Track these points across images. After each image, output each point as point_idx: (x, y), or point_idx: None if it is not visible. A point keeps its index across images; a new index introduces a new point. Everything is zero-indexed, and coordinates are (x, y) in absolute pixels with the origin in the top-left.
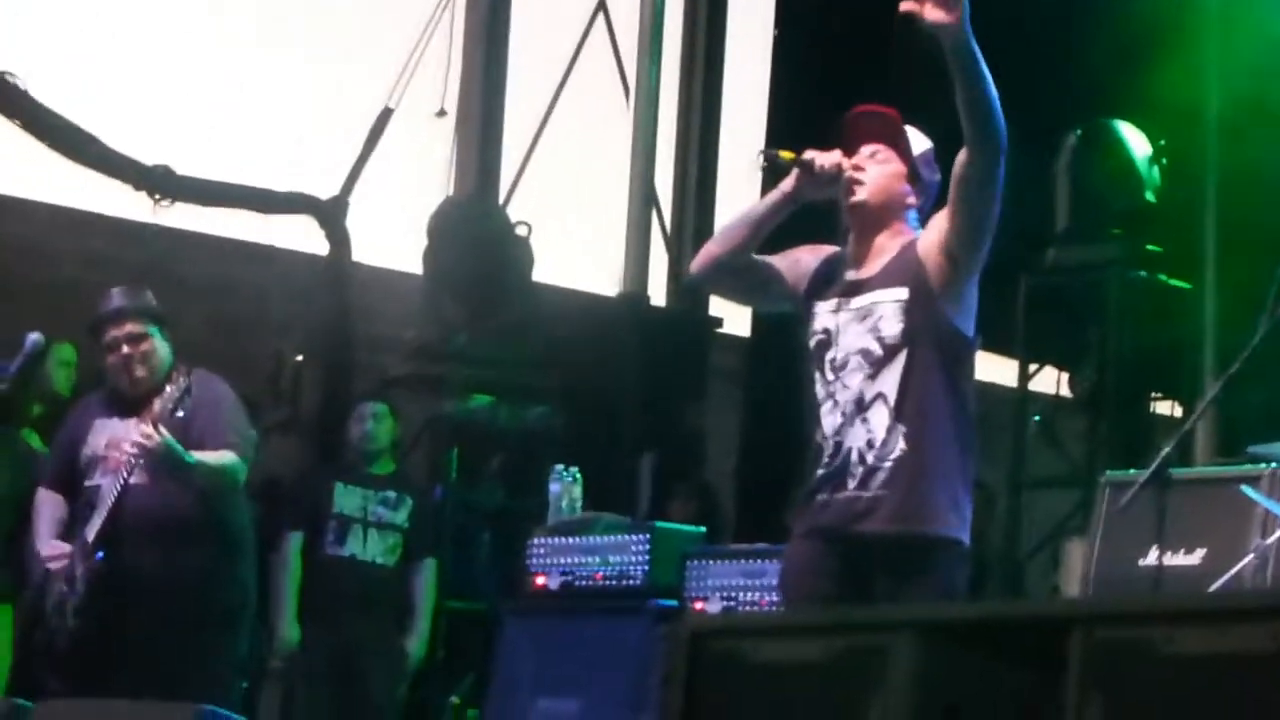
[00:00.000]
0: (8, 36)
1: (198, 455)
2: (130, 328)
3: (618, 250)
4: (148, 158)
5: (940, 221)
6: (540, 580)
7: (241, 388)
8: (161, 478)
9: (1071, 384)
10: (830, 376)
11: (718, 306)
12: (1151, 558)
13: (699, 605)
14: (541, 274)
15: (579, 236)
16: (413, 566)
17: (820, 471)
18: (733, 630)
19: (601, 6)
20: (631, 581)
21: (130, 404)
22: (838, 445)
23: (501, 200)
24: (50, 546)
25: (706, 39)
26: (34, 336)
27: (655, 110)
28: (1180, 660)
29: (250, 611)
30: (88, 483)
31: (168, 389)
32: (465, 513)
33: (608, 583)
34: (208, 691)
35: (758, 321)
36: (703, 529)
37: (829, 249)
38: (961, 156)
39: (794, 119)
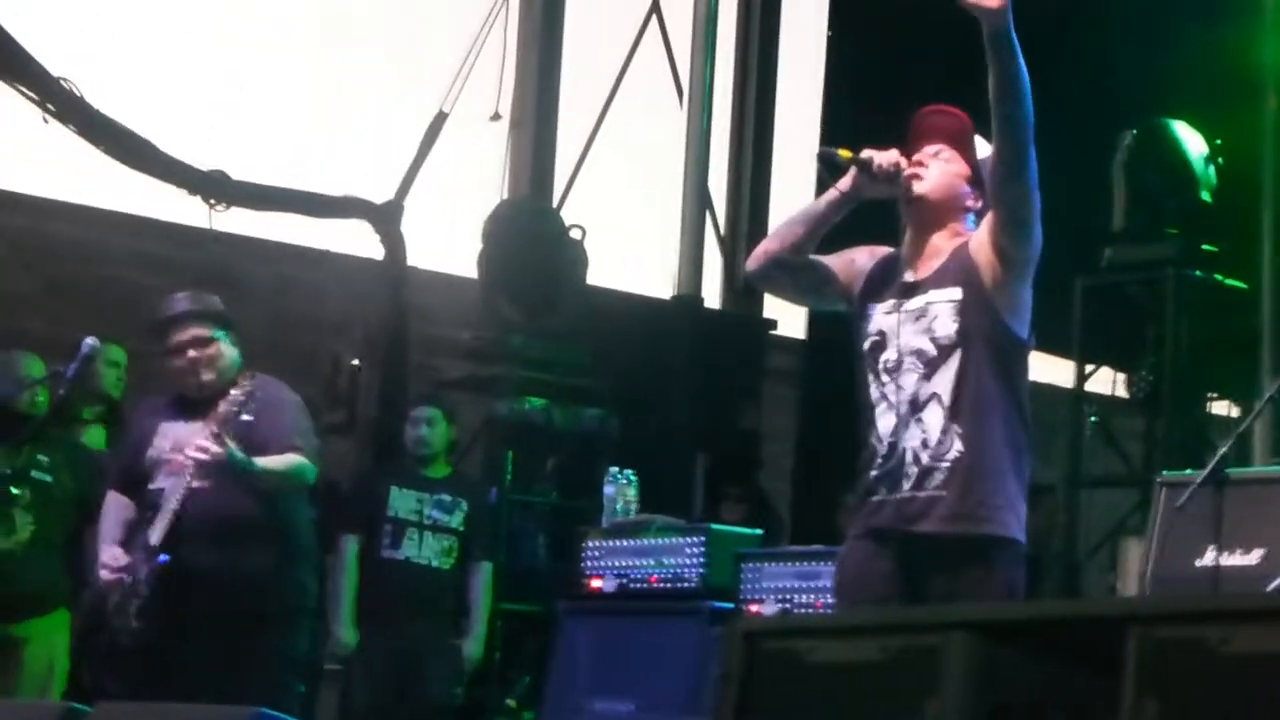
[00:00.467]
0: (63, 43)
1: (261, 461)
2: (195, 331)
3: (672, 252)
4: (203, 163)
5: (987, 219)
6: (596, 583)
7: (298, 391)
8: (225, 480)
9: (1128, 384)
10: (884, 378)
11: (772, 308)
12: (1208, 557)
13: (754, 607)
14: (596, 277)
15: (633, 239)
16: (469, 569)
17: (874, 473)
18: (788, 631)
19: (655, 8)
20: (686, 584)
21: (196, 407)
22: (892, 446)
23: (556, 203)
24: (110, 555)
25: (760, 39)
26: (90, 341)
27: (709, 111)
28: (1237, 659)
29: (311, 613)
30: (151, 485)
31: (231, 393)
32: (521, 515)
33: (663, 585)
34: (266, 693)
35: (813, 323)
36: (758, 531)
37: (885, 250)
38: (993, 145)
39: (848, 119)
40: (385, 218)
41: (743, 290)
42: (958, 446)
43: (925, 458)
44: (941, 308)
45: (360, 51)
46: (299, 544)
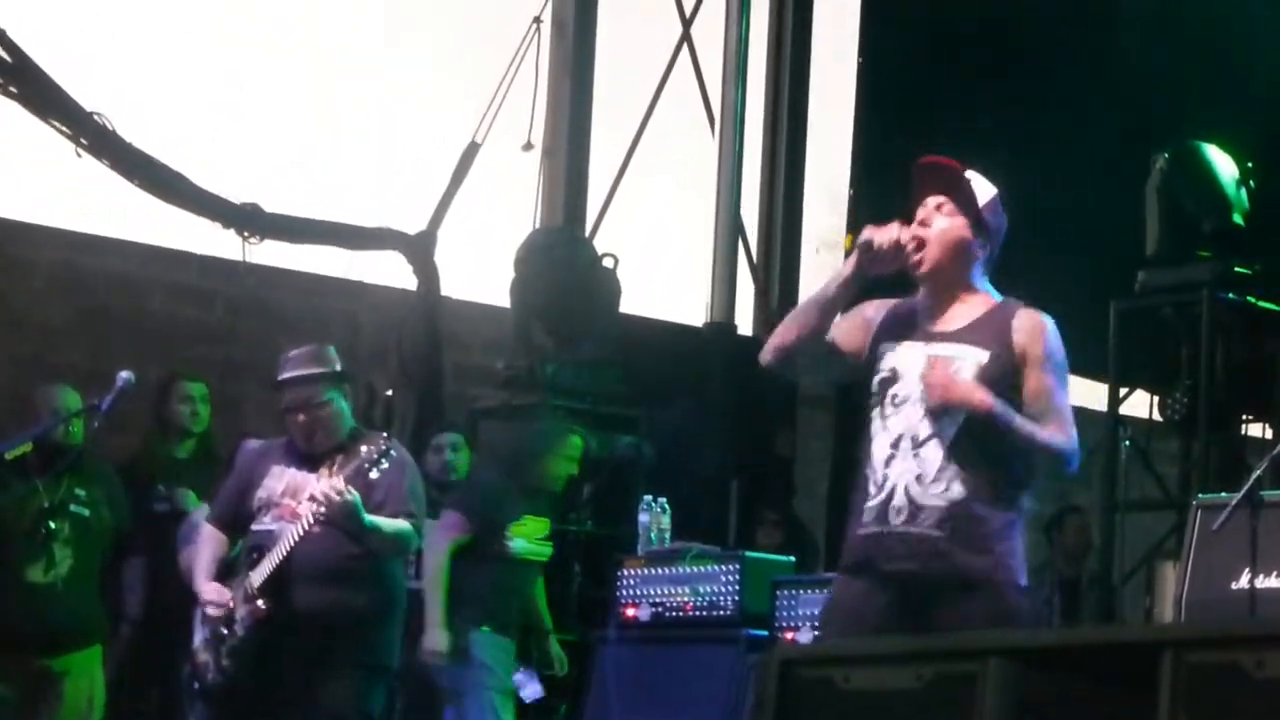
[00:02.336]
0: (96, 77)
1: (375, 519)
2: (307, 394)
3: (704, 280)
4: (236, 195)
5: (1035, 368)
6: (631, 611)
7: None
8: (334, 531)
9: (1163, 407)
10: (889, 410)
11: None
12: (1244, 580)
13: (789, 635)
14: (629, 304)
15: (666, 266)
16: None
17: (869, 504)
18: (824, 659)
19: (686, 36)
20: (722, 611)
21: (312, 456)
22: (885, 479)
23: (588, 232)
24: (210, 590)
25: (791, 66)
26: (124, 374)
27: (741, 139)
28: (1272, 685)
29: (389, 672)
30: (256, 526)
31: (364, 449)
32: (556, 543)
33: (698, 613)
34: None
35: None
36: (791, 559)
37: (893, 300)
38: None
39: (879, 146)
40: (419, 248)
41: (777, 316)
42: (956, 488)
43: (918, 495)
44: (967, 363)
45: (393, 84)
46: (393, 601)
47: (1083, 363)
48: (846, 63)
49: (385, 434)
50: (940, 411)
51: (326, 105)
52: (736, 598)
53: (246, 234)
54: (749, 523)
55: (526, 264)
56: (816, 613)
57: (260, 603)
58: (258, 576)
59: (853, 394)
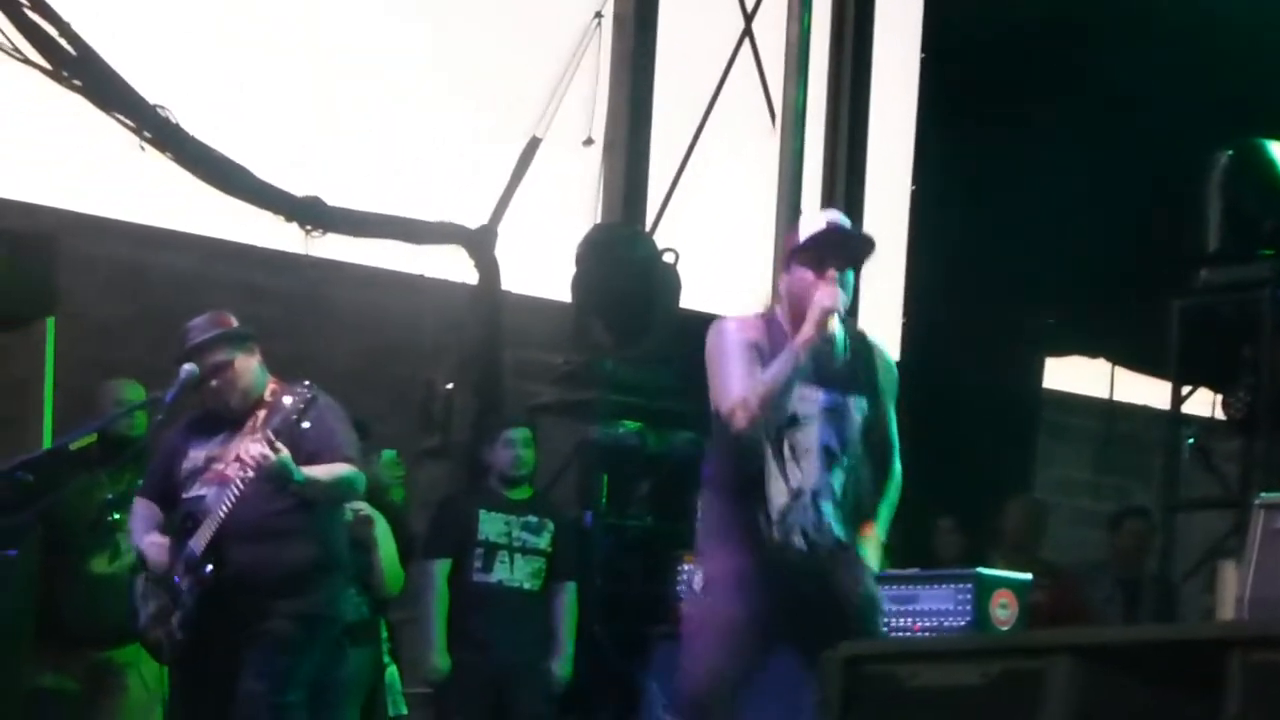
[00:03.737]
0: (159, 70)
1: (309, 471)
2: (211, 360)
3: (764, 275)
4: (298, 189)
5: (887, 403)
6: None
7: (394, 415)
8: (262, 487)
9: (1225, 405)
10: (787, 455)
11: (866, 331)
12: None
13: None
14: (689, 300)
15: (726, 262)
16: (555, 589)
17: (766, 542)
18: (888, 655)
19: (747, 31)
20: None
21: (226, 420)
22: (781, 523)
23: (649, 227)
24: (151, 541)
25: (853, 62)
26: (188, 366)
27: (802, 134)
28: None
29: (337, 625)
30: (185, 494)
31: (287, 401)
32: (615, 538)
33: None
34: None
35: (907, 347)
36: None
37: (750, 319)
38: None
39: (941, 141)
40: (479, 243)
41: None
42: (839, 535)
43: (816, 538)
44: (853, 414)
45: (455, 79)
46: (332, 553)
47: (1145, 361)
48: (909, 57)
49: (306, 382)
50: (832, 466)
51: (389, 99)
52: None
53: (308, 228)
54: None
55: (586, 259)
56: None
57: (205, 569)
58: (197, 544)
59: (913, 393)
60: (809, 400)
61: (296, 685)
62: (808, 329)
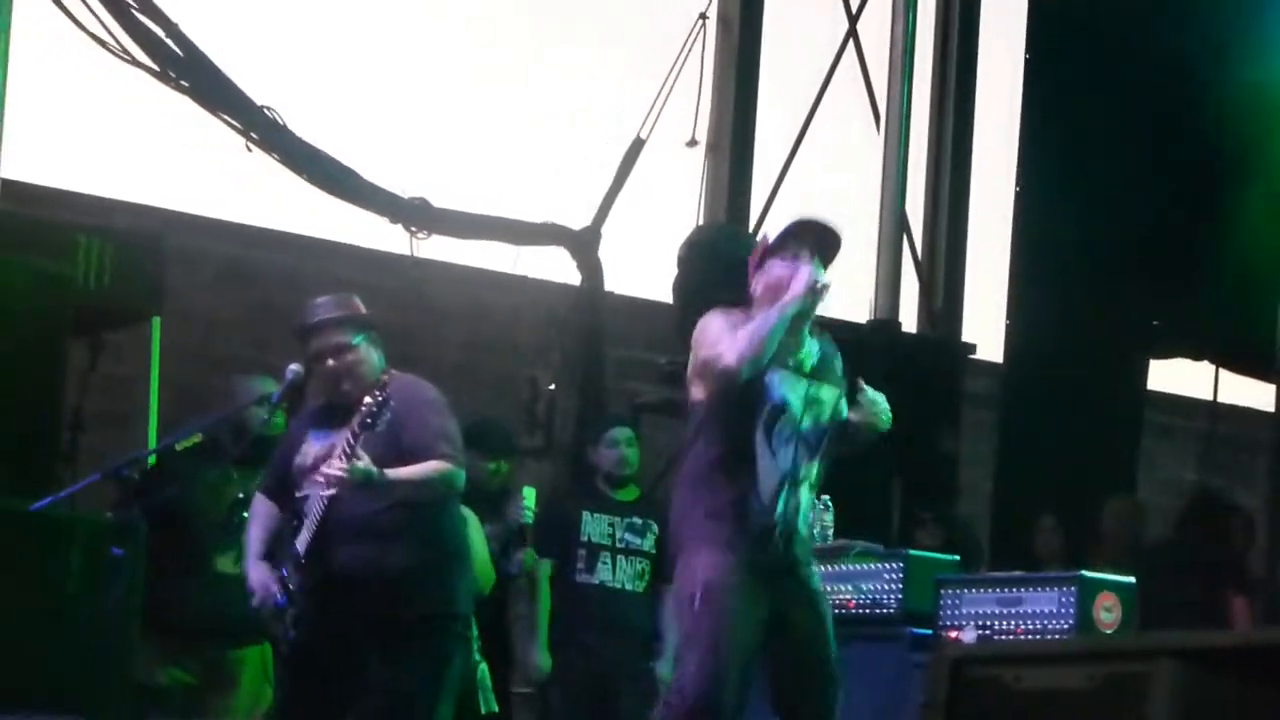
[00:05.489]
0: (266, 72)
1: (396, 474)
2: (334, 339)
3: (868, 277)
4: (404, 190)
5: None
6: None
7: (497, 414)
8: (360, 488)
9: None
10: (775, 445)
11: (971, 332)
12: None
13: (953, 634)
14: None
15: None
16: (660, 591)
17: (755, 525)
18: (993, 658)
19: (852, 32)
20: (885, 609)
21: (341, 413)
22: (770, 508)
23: (752, 228)
24: (256, 577)
25: (958, 63)
26: (294, 366)
27: (906, 135)
28: None
29: (457, 618)
30: (298, 494)
31: (365, 402)
32: None
33: (860, 610)
34: (401, 697)
35: (1011, 347)
36: (955, 557)
37: (737, 314)
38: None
39: (1046, 141)
40: (583, 244)
41: (941, 314)
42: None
43: (794, 526)
44: (826, 406)
45: (558, 80)
46: (444, 548)
47: (1249, 362)
48: (1013, 58)
49: (387, 373)
50: (814, 454)
51: (492, 101)
52: (899, 596)
53: (414, 229)
54: (910, 521)
55: (689, 260)
56: (980, 611)
57: (308, 570)
58: (301, 545)
59: (1017, 395)
60: (793, 389)
61: (448, 688)
62: (795, 286)
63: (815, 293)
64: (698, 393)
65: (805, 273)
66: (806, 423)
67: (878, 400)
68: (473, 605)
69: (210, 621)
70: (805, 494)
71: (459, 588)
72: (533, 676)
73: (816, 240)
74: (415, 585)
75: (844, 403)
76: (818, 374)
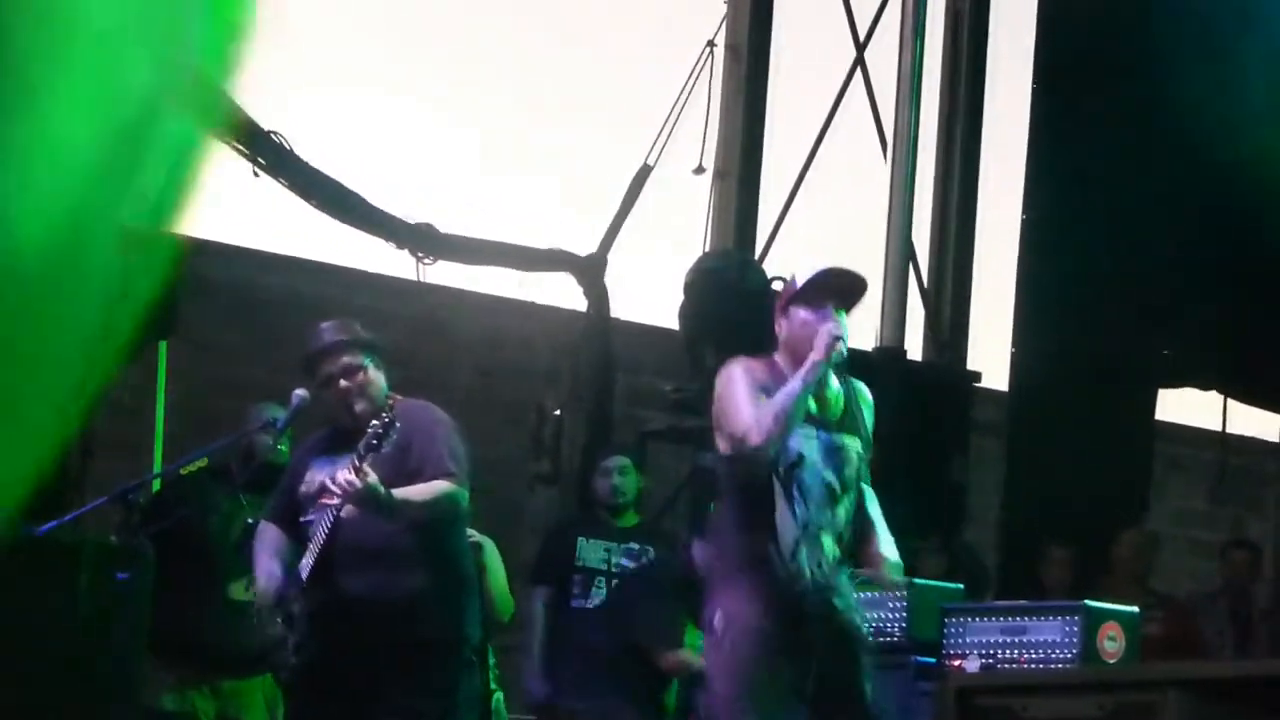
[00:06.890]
0: (273, 97)
1: (403, 493)
2: (344, 360)
3: (875, 304)
4: (411, 216)
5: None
6: None
7: (506, 441)
8: (364, 513)
9: None
10: (796, 495)
11: (977, 360)
12: None
13: (957, 662)
14: None
15: None
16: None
17: (779, 578)
18: (1001, 687)
19: (859, 59)
20: (889, 637)
21: (348, 438)
22: (793, 556)
23: (759, 255)
24: (262, 569)
25: (966, 92)
26: (300, 392)
27: (914, 163)
28: None
29: (467, 643)
30: (303, 519)
31: (371, 424)
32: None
33: None
34: None
35: (1017, 376)
36: (960, 585)
37: (754, 363)
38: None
39: (1054, 170)
40: (589, 270)
41: (947, 342)
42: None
43: (820, 576)
44: (852, 454)
45: (565, 107)
46: (452, 573)
47: (1256, 393)
48: (1021, 87)
49: (393, 397)
50: (835, 505)
51: (500, 127)
52: (904, 624)
53: (420, 254)
54: (915, 549)
55: (696, 287)
56: (985, 640)
57: (310, 594)
58: (305, 569)
59: (1024, 423)
60: (812, 440)
61: (456, 715)
62: (817, 352)
63: (835, 349)
64: (723, 446)
65: (826, 333)
66: (828, 473)
67: (895, 567)
68: (484, 631)
69: (222, 649)
70: (829, 543)
71: (467, 612)
72: (529, 701)
73: (843, 289)
74: (424, 611)
75: (868, 448)
76: (842, 423)
